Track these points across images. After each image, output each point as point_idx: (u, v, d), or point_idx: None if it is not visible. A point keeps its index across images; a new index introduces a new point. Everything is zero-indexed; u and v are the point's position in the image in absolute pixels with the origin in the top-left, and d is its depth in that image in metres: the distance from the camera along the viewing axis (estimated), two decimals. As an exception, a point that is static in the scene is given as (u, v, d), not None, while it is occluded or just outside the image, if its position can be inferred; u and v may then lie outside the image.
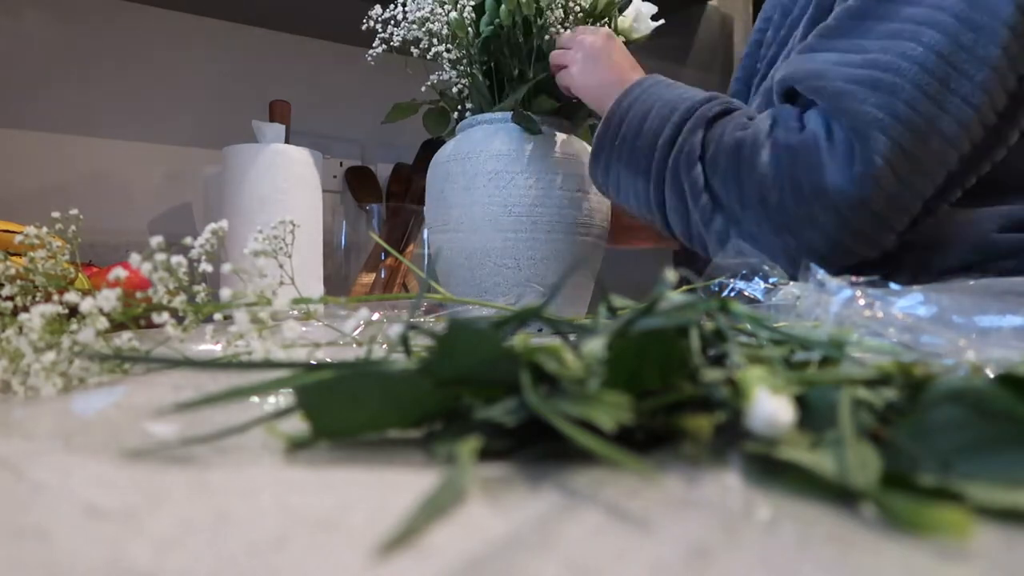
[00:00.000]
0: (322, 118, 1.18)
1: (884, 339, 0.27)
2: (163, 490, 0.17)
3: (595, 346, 0.20)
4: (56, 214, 0.42)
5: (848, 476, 0.16)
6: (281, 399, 0.28)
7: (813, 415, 0.19)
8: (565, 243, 0.73)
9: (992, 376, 0.19)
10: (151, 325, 0.45)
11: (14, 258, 0.40)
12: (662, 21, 0.81)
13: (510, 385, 0.20)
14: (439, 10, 0.73)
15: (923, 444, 0.17)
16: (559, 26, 0.74)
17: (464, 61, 0.75)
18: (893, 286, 0.31)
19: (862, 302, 0.29)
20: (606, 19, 0.79)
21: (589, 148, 0.70)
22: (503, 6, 0.70)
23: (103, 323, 0.30)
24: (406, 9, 0.75)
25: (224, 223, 0.36)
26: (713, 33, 1.61)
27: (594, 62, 0.69)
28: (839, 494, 0.16)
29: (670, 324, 0.20)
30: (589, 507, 0.16)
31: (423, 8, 0.74)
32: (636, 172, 0.64)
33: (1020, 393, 0.17)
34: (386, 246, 0.53)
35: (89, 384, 0.32)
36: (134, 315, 0.32)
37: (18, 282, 0.38)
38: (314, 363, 0.22)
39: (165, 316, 0.32)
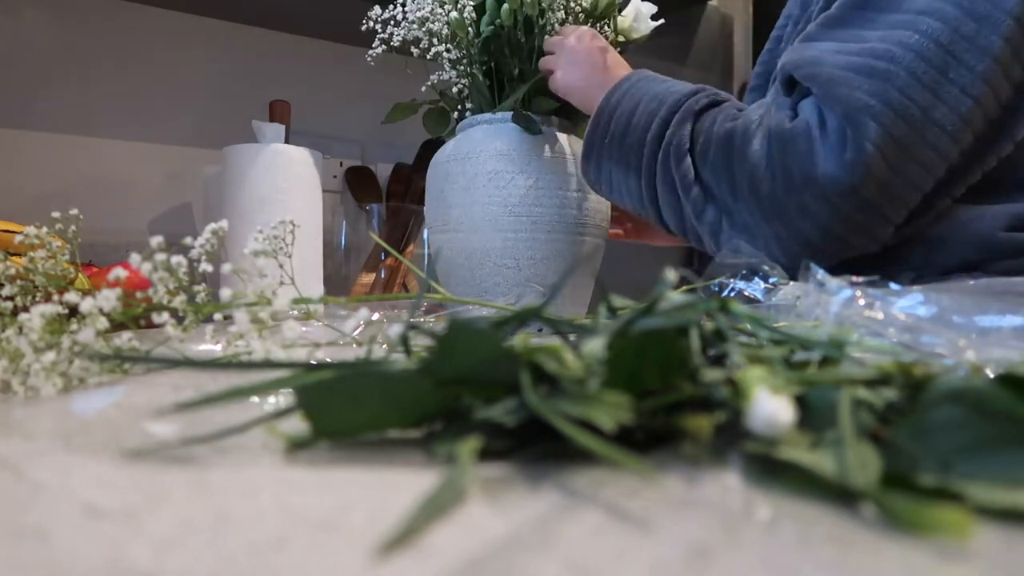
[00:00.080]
0: (322, 118, 1.18)
1: (884, 339, 0.27)
2: (163, 490, 0.17)
3: (595, 346, 0.20)
4: (56, 214, 0.42)
5: (848, 476, 0.16)
6: (281, 399, 0.28)
7: (813, 415, 0.19)
8: (565, 243, 0.73)
9: (992, 376, 0.19)
10: (151, 325, 0.45)
11: (14, 258, 0.40)
12: (662, 21, 0.81)
13: (510, 385, 0.20)
14: (439, 10, 0.73)
15: (923, 444, 0.17)
16: (559, 26, 0.74)
17: (464, 61, 0.75)
18: (893, 286, 0.31)
19: (862, 302, 0.29)
20: (606, 19, 0.79)
21: (589, 148, 0.70)
22: (504, 5, 0.70)
23: (103, 323, 0.30)
24: (406, 9, 0.75)
25: (224, 223, 0.36)
26: (713, 33, 1.61)
27: (575, 64, 0.69)
28: (839, 494, 0.16)
29: (670, 324, 0.20)
30: (589, 507, 0.16)
31: (423, 8, 0.74)
32: (627, 169, 0.64)
33: (1020, 393, 0.17)
34: (386, 246, 0.53)
35: (89, 384, 0.32)
36: (134, 315, 0.32)
37: (18, 282, 0.38)
38: (314, 363, 0.22)
39: (165, 316, 0.32)
